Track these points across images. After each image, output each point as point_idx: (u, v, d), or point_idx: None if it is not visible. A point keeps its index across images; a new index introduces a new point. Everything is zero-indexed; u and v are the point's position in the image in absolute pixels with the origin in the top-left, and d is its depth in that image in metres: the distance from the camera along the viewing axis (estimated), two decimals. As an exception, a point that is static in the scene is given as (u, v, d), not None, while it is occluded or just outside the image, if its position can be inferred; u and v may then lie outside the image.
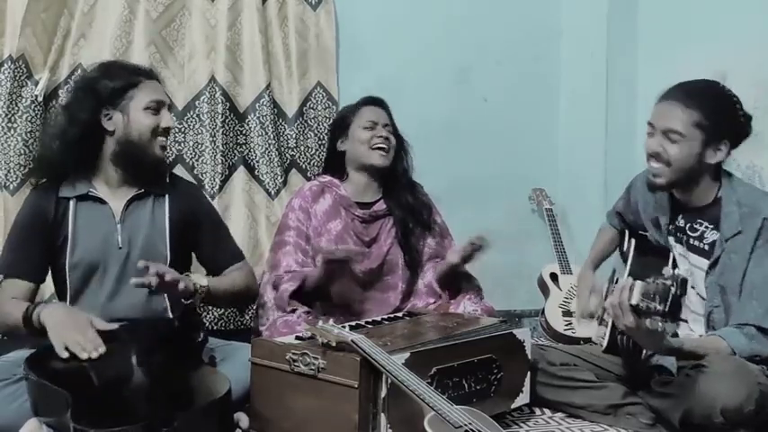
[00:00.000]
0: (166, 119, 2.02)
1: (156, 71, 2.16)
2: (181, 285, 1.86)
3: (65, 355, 1.69)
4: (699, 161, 1.91)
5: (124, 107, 1.96)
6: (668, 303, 1.63)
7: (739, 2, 2.79)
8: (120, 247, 1.97)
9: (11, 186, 2.42)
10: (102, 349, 1.70)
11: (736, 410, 1.67)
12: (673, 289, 1.63)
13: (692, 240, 2.00)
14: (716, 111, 1.89)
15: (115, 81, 1.97)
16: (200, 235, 2.12)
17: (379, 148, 2.39)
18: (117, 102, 1.96)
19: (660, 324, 1.67)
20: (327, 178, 2.47)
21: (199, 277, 1.97)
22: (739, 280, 1.88)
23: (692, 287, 1.99)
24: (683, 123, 1.88)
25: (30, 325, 1.80)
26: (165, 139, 2.03)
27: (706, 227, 1.97)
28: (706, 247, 1.96)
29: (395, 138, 2.46)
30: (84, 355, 1.68)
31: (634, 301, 1.68)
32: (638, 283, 1.69)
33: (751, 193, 1.96)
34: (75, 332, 1.72)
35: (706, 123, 1.88)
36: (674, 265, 2.04)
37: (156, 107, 2.00)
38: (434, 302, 2.41)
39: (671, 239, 2.07)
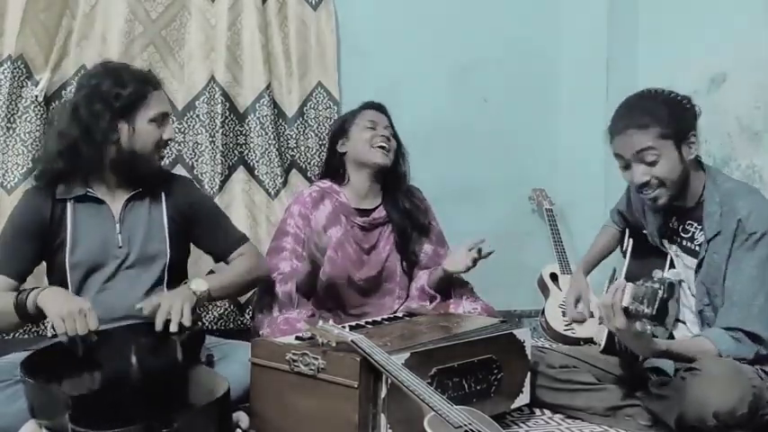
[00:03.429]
0: (169, 131, 2.03)
1: (157, 78, 2.15)
2: (186, 318, 1.84)
3: (62, 329, 1.69)
4: (682, 164, 1.92)
5: (131, 119, 1.95)
6: (656, 306, 1.63)
7: (739, 2, 2.79)
8: (121, 246, 1.98)
9: (8, 186, 2.43)
10: (94, 324, 1.71)
11: (729, 414, 1.66)
12: (660, 292, 1.63)
13: (684, 242, 2.01)
14: (667, 113, 1.90)
15: (126, 91, 1.94)
16: (198, 227, 2.13)
17: (381, 147, 2.39)
18: (126, 114, 1.95)
19: (648, 327, 1.68)
20: (327, 184, 2.46)
21: (198, 283, 1.96)
22: (721, 280, 1.89)
23: (689, 288, 1.99)
24: (650, 141, 1.89)
25: (22, 309, 1.79)
26: (165, 149, 2.06)
27: (696, 228, 1.98)
28: (697, 248, 1.97)
29: (395, 141, 2.47)
30: (79, 330, 1.69)
31: (625, 304, 1.68)
32: (630, 285, 1.70)
33: (732, 190, 1.95)
34: (74, 308, 1.71)
35: (669, 130, 1.89)
36: (672, 267, 2.04)
37: (162, 120, 2.01)
38: (430, 303, 2.40)
39: (665, 242, 2.07)
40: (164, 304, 1.84)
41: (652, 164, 1.90)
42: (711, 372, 1.72)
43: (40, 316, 1.79)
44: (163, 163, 2.19)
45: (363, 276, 2.38)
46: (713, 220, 1.91)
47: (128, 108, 1.94)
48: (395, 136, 2.48)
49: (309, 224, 2.36)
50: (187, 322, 1.83)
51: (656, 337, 1.86)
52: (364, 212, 2.43)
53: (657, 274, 1.69)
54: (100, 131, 1.92)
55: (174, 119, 2.69)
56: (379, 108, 2.51)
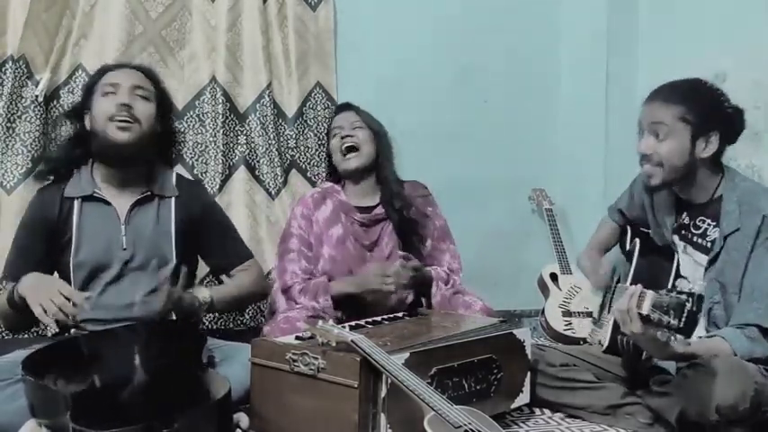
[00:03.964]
0: (121, 96, 1.96)
1: (130, 63, 2.18)
2: (186, 301, 1.87)
3: (43, 318, 1.69)
4: (690, 156, 1.92)
5: (92, 103, 1.99)
6: (683, 319, 1.60)
7: (739, 2, 2.79)
8: (125, 249, 1.98)
9: (8, 186, 2.43)
10: (78, 310, 1.70)
11: (731, 409, 1.66)
12: (688, 305, 1.60)
13: (695, 238, 2.00)
14: (699, 103, 1.91)
15: (88, 82, 2.03)
16: (206, 237, 2.12)
17: (348, 150, 2.41)
18: (88, 101, 2.00)
19: (672, 337, 1.66)
20: (329, 185, 2.49)
21: (201, 290, 1.97)
22: (740, 278, 1.88)
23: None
24: (667, 117, 1.90)
25: (14, 303, 1.79)
26: (122, 120, 1.94)
27: (708, 224, 1.97)
28: (708, 245, 1.96)
29: (372, 132, 2.45)
30: (65, 310, 1.68)
31: (644, 311, 1.66)
32: (650, 293, 1.68)
33: (753, 189, 1.95)
34: (48, 289, 1.71)
35: (690, 116, 1.90)
36: (678, 267, 2.03)
37: (112, 90, 1.98)
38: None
39: (676, 238, 2.06)
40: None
41: (660, 139, 1.91)
42: (713, 367, 1.72)
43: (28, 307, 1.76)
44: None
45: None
46: (732, 217, 1.91)
47: (89, 95, 2.01)
48: (369, 125, 2.47)
49: (311, 225, 2.39)
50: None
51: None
52: (364, 210, 2.44)
53: (683, 283, 1.67)
54: (73, 121, 2.02)
55: (175, 118, 2.69)
56: (345, 108, 2.54)
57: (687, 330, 1.63)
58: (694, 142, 1.91)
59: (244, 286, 2.12)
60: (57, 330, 1.76)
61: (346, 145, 2.41)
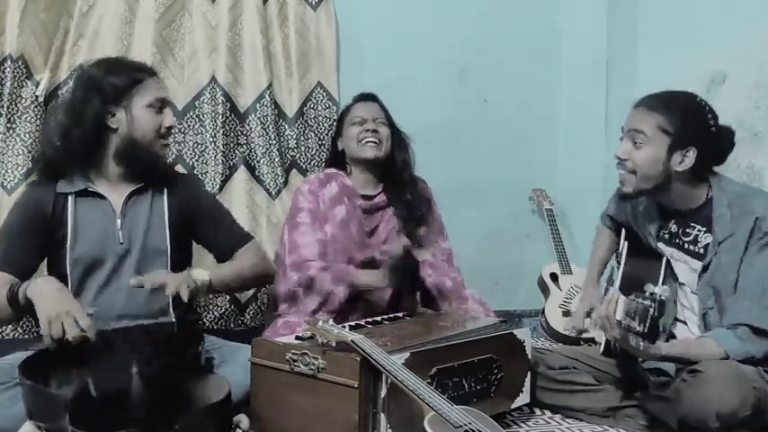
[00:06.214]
0: (169, 118, 2.03)
1: (155, 68, 2.16)
2: (183, 294, 1.82)
3: (47, 331, 1.64)
4: (664, 167, 1.90)
5: (127, 105, 1.96)
6: (646, 325, 1.64)
7: (739, 2, 2.79)
8: (122, 242, 1.97)
9: (8, 186, 2.43)
10: (90, 334, 1.66)
11: (731, 416, 1.66)
12: (651, 310, 1.63)
13: (687, 245, 1.99)
14: (681, 116, 1.89)
15: (119, 79, 1.96)
16: (200, 224, 2.11)
17: (369, 142, 2.41)
18: (121, 100, 1.96)
19: (641, 343, 1.69)
20: (332, 170, 2.48)
21: (200, 272, 1.94)
22: (733, 281, 1.87)
23: (694, 292, 1.98)
24: (647, 125, 1.89)
25: (15, 303, 1.76)
26: (167, 138, 2.05)
27: (699, 230, 1.96)
28: (701, 251, 1.95)
29: (390, 130, 2.47)
30: (69, 334, 1.63)
31: (618, 318, 1.70)
32: (622, 298, 1.71)
33: (742, 192, 1.94)
34: (62, 310, 1.66)
35: (670, 128, 1.88)
36: (669, 269, 2.03)
37: (160, 106, 2.01)
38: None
39: (661, 245, 2.05)
40: (166, 278, 1.84)
41: (637, 146, 1.91)
42: (714, 373, 1.71)
43: (32, 309, 1.72)
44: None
45: (365, 258, 2.37)
46: (724, 222, 1.90)
47: (122, 94, 1.95)
48: (390, 124, 2.48)
49: (318, 201, 2.37)
50: (185, 298, 1.81)
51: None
52: (366, 198, 2.45)
53: (650, 288, 1.68)
54: (91, 116, 1.93)
55: (175, 118, 2.69)
56: (370, 98, 2.52)
57: (651, 336, 1.67)
58: (671, 154, 1.89)
59: (243, 267, 2.10)
60: (50, 342, 1.72)
61: (369, 140, 2.41)
